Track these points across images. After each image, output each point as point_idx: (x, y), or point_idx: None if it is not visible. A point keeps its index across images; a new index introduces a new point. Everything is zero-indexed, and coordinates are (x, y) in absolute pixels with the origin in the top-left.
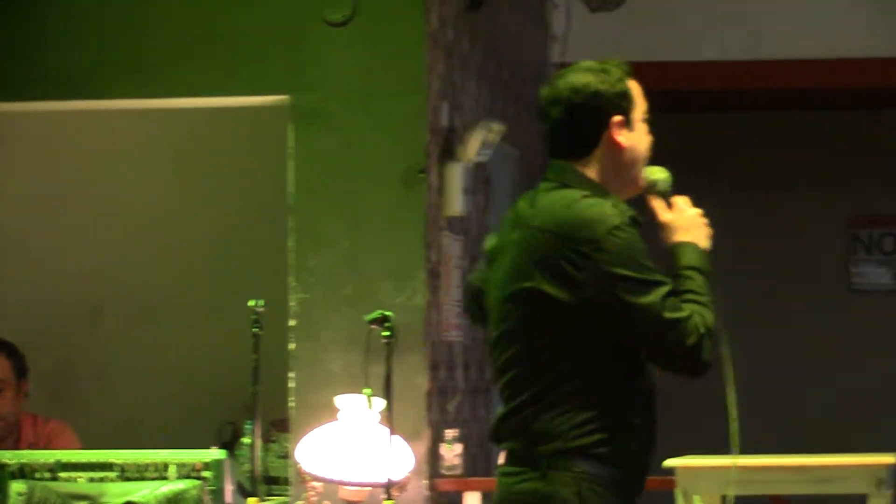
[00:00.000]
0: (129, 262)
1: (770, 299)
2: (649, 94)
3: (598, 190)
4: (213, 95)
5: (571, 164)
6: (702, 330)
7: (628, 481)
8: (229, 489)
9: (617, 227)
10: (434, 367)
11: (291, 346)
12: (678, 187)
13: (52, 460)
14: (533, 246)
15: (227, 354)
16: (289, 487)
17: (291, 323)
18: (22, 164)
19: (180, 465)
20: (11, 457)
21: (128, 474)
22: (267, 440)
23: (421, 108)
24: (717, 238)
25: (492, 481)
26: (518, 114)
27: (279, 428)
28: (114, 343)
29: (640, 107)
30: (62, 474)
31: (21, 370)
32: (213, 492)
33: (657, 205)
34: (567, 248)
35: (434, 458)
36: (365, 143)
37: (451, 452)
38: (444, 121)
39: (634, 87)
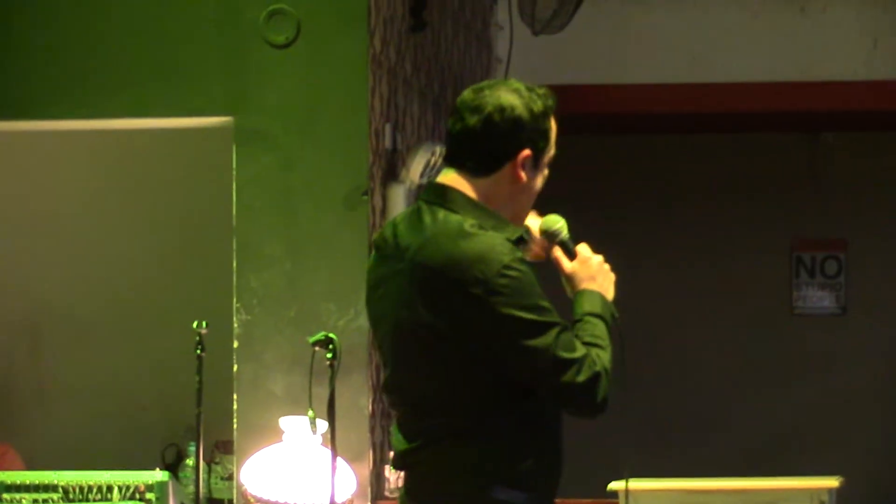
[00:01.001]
0: (70, 282)
1: (712, 322)
2: (591, 116)
3: (485, 214)
4: (156, 116)
5: (460, 180)
6: (597, 369)
7: None
8: None
9: (507, 267)
10: (377, 389)
11: (235, 367)
12: (623, 209)
13: None
14: (420, 281)
15: (171, 376)
16: None
17: (235, 345)
18: None
19: (124, 487)
20: None
21: (71, 496)
22: (211, 462)
23: (364, 130)
24: (661, 259)
25: None
26: None
27: (223, 450)
28: (55, 363)
29: (552, 149)
30: (6, 496)
31: None
32: None
33: (558, 255)
34: (456, 288)
35: (378, 479)
36: (308, 165)
37: (395, 474)
38: (387, 143)
39: (554, 128)
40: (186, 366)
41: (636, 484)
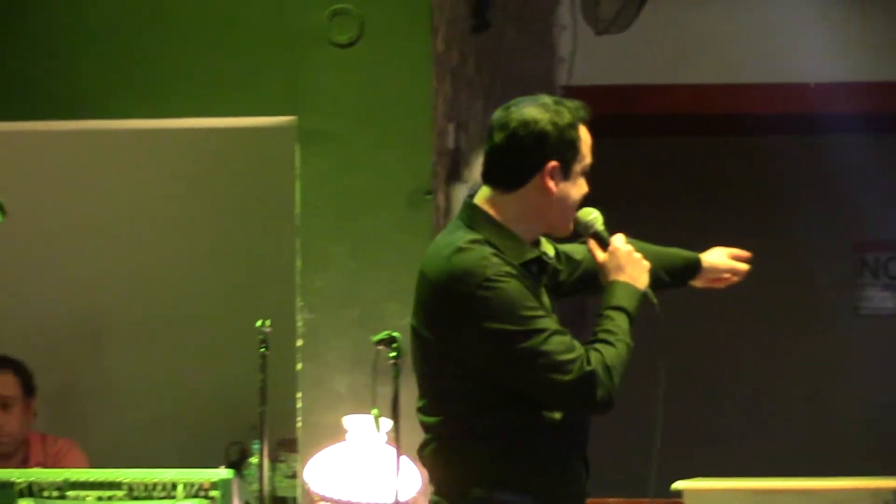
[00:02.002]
0: (132, 282)
1: (775, 322)
2: (653, 117)
3: (499, 232)
4: (220, 116)
5: (491, 195)
6: (589, 368)
7: None
8: None
9: (488, 280)
10: None
11: (298, 366)
12: (685, 210)
13: (60, 479)
14: (421, 289)
15: (235, 374)
16: None
17: (298, 343)
18: (29, 184)
19: (188, 485)
20: (20, 475)
21: (136, 493)
22: (275, 460)
23: (427, 130)
24: None
25: None
26: None
27: (287, 448)
28: (119, 364)
29: (584, 159)
30: (70, 493)
31: (29, 388)
32: None
33: (592, 246)
34: (444, 300)
35: None
36: (371, 165)
37: None
38: (450, 142)
39: (584, 138)
40: (249, 364)
41: (699, 484)
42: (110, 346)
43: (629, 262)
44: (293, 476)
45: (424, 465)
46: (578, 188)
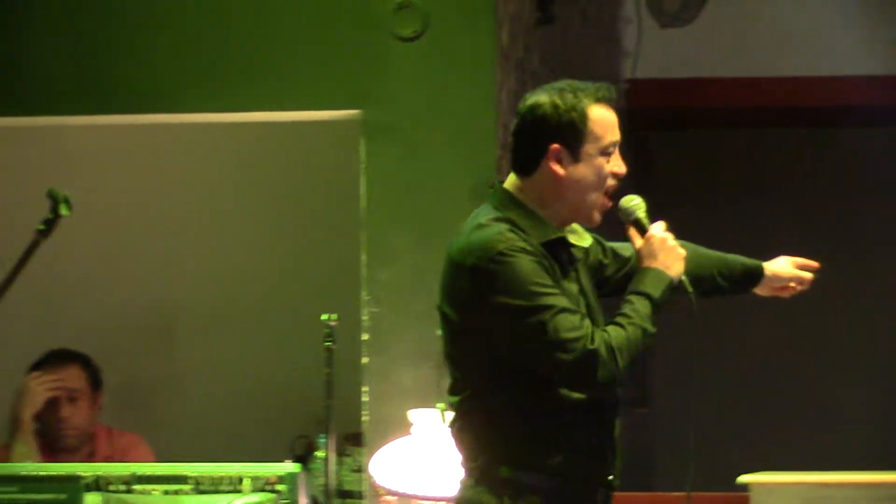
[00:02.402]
0: (201, 276)
1: (853, 317)
2: (719, 110)
3: (523, 213)
4: (284, 109)
5: (515, 181)
6: (592, 347)
7: (564, 493)
8: (304, 503)
9: (500, 254)
10: None
11: (365, 359)
12: (751, 204)
13: (127, 473)
14: (445, 267)
15: (300, 368)
16: (363, 501)
17: (364, 337)
18: (100, 178)
19: (255, 479)
20: (86, 469)
21: (202, 487)
22: (341, 454)
23: (491, 124)
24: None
25: None
26: None
27: (352, 442)
28: (186, 357)
29: (599, 139)
30: (137, 487)
31: (95, 382)
32: None
33: (632, 233)
34: (459, 275)
35: None
36: (435, 158)
37: None
38: None
39: (598, 118)
40: (315, 359)
41: (765, 477)
42: (177, 340)
43: (662, 249)
44: (359, 470)
45: (455, 445)
46: (595, 169)
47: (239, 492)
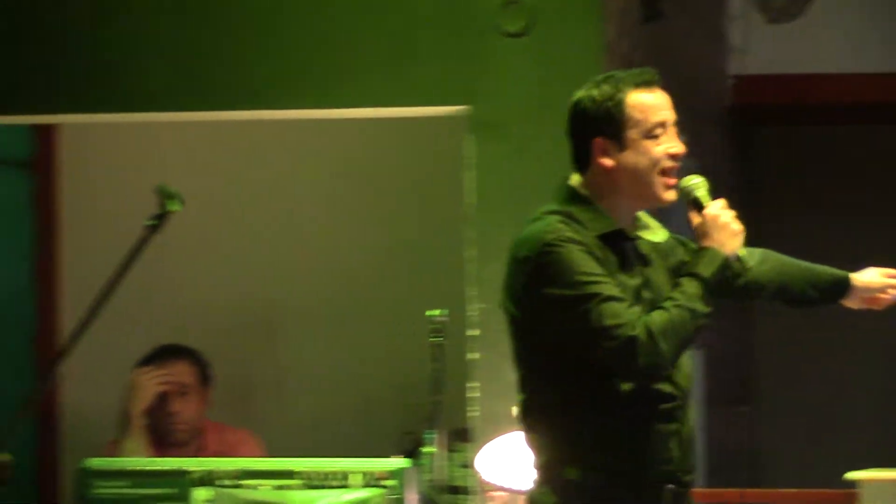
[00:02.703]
0: (305, 272)
1: None
2: (829, 106)
3: (583, 205)
4: (391, 106)
5: (577, 177)
6: (633, 333)
7: (628, 492)
8: (413, 498)
9: (547, 245)
10: None
11: (474, 355)
12: (863, 202)
13: (236, 468)
14: (507, 265)
15: (407, 364)
16: (471, 497)
17: (474, 333)
18: (205, 174)
19: (364, 474)
20: (196, 464)
21: (311, 483)
22: (449, 450)
23: None
24: None
25: None
26: (695, 126)
27: (459, 437)
28: (292, 354)
29: (641, 123)
30: (246, 482)
31: (205, 377)
32: (396, 501)
33: (692, 213)
34: (514, 269)
35: None
36: (543, 154)
37: None
38: None
39: (639, 103)
40: (421, 354)
41: (875, 474)
42: (284, 336)
43: (715, 227)
44: (467, 466)
45: (525, 445)
46: (644, 154)
47: (348, 487)
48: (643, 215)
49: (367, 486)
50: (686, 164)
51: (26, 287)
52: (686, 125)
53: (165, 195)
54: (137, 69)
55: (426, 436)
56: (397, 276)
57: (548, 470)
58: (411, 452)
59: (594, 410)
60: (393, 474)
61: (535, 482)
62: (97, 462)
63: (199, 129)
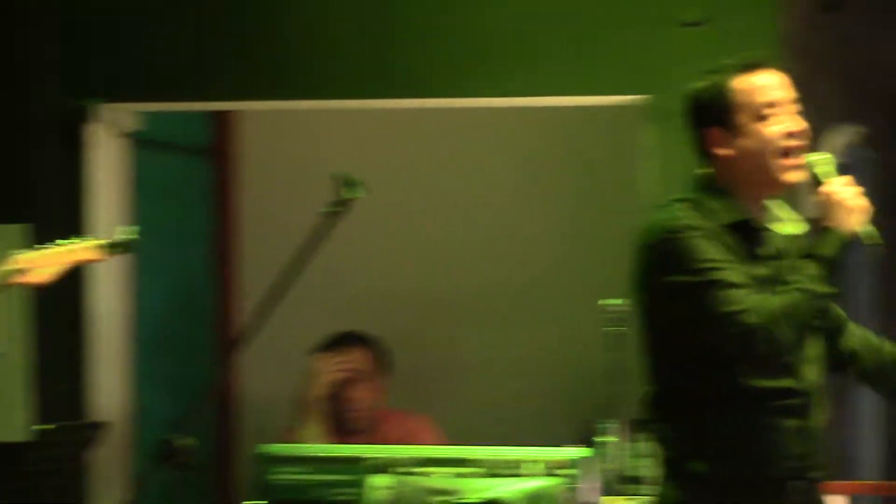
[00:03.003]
0: (482, 259)
1: None
2: None
3: (712, 194)
4: (570, 95)
5: (707, 168)
6: (748, 321)
7: (752, 487)
8: (595, 488)
9: (668, 232)
10: None
11: None
12: None
13: (415, 455)
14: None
15: (585, 353)
16: (651, 487)
17: None
18: (386, 161)
19: (544, 462)
20: (373, 451)
21: (490, 470)
22: (627, 440)
23: None
24: None
25: (852, 485)
26: (876, 117)
27: (635, 427)
28: (469, 340)
29: (748, 107)
30: (425, 469)
31: (383, 364)
32: (576, 490)
33: (817, 191)
34: (639, 260)
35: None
36: None
37: None
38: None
39: (740, 87)
40: (593, 344)
41: None
42: (462, 324)
43: (832, 205)
44: (645, 456)
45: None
46: (756, 137)
47: (527, 475)
48: (776, 206)
49: (547, 474)
50: (862, 155)
51: (205, 273)
52: (862, 115)
53: (345, 182)
54: (316, 57)
55: (601, 425)
56: (574, 264)
57: (674, 464)
58: (585, 441)
59: (717, 404)
60: (575, 463)
61: (662, 477)
62: (274, 448)
63: (377, 117)
